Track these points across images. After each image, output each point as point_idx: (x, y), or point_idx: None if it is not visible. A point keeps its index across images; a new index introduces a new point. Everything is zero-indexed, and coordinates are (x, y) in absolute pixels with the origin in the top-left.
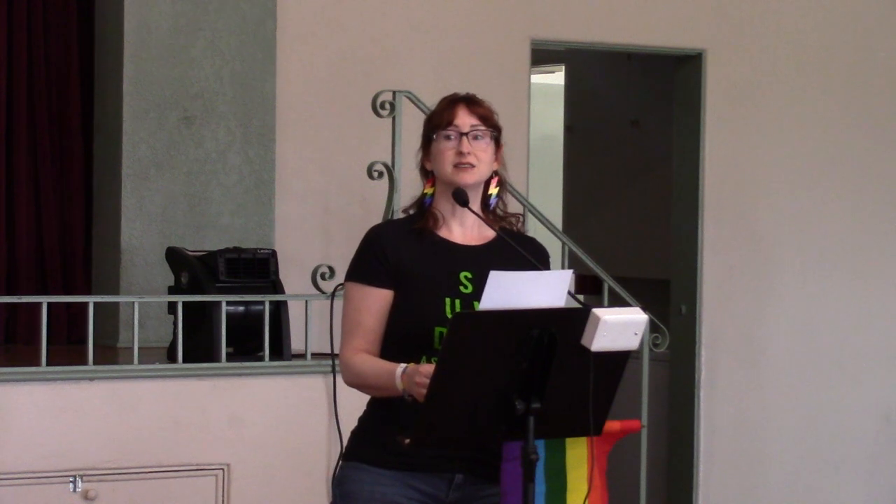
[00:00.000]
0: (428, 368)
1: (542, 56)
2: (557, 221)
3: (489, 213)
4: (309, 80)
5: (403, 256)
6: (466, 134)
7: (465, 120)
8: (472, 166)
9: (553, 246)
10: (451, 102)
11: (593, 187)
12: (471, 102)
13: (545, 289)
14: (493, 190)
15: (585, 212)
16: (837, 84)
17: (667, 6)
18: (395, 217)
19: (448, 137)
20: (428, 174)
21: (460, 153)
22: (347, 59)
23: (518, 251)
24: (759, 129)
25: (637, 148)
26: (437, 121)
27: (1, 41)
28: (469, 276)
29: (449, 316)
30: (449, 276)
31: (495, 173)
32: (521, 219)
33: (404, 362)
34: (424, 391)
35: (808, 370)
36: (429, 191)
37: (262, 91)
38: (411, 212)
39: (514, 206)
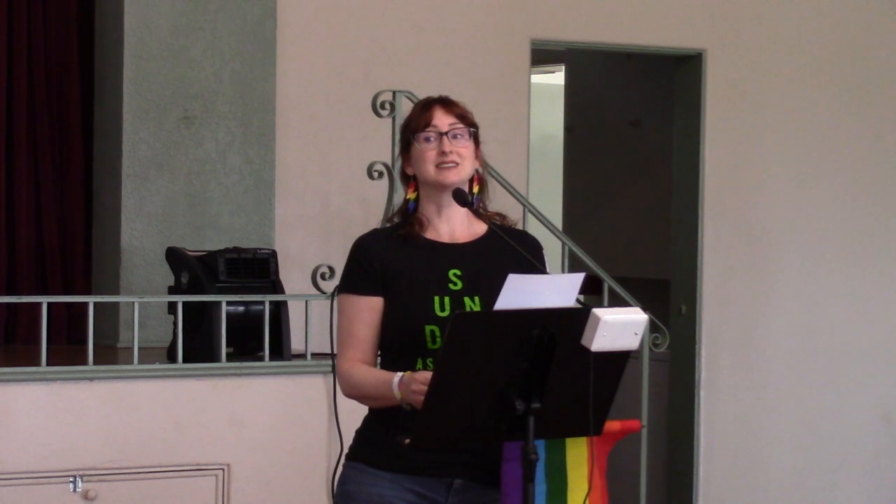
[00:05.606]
0: (424, 375)
1: (542, 56)
2: (557, 221)
3: (472, 212)
4: (309, 80)
5: (389, 261)
6: (446, 133)
7: (443, 120)
8: (456, 164)
9: (553, 246)
10: (427, 105)
11: (593, 187)
12: (446, 103)
13: (558, 291)
14: (475, 188)
15: (585, 212)
16: (837, 84)
17: (667, 6)
18: (389, 217)
19: (428, 139)
20: (409, 179)
21: (442, 153)
22: (347, 59)
23: (509, 243)
24: (759, 129)
25: (637, 148)
26: (415, 124)
27: (1, 41)
28: (458, 273)
29: (438, 314)
30: (437, 275)
31: (476, 172)
32: (506, 218)
33: (399, 367)
34: (422, 398)
35: (808, 370)
36: (411, 196)
37: (262, 91)
38: (395, 220)
39: (514, 206)
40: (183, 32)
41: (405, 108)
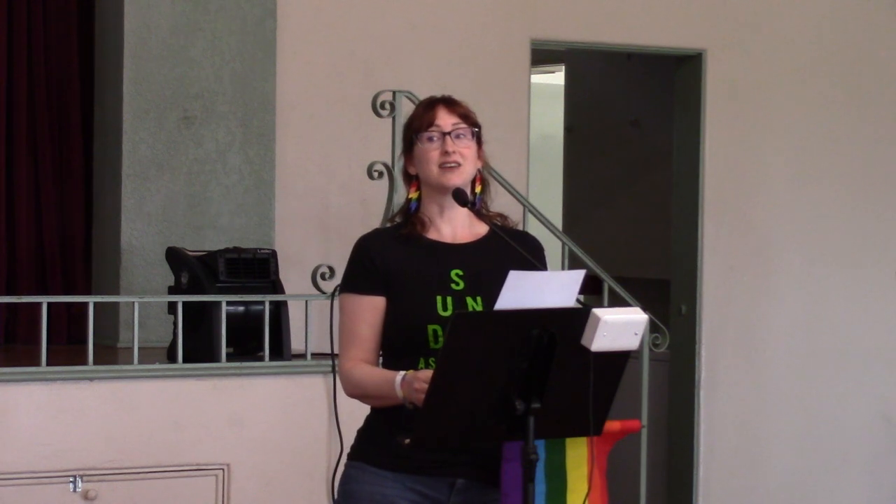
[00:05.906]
0: (426, 374)
1: (542, 56)
2: (557, 221)
3: (473, 212)
4: (309, 80)
5: (391, 261)
6: (449, 133)
7: (446, 120)
8: (458, 165)
9: (553, 246)
10: (430, 104)
11: (593, 187)
12: (450, 102)
13: (559, 288)
14: (477, 189)
15: (585, 212)
16: (837, 84)
17: (667, 6)
18: (390, 217)
19: (431, 139)
20: (411, 179)
21: (445, 153)
22: (347, 59)
23: (510, 244)
24: (759, 129)
25: (637, 148)
26: (418, 124)
27: (1, 41)
28: (460, 273)
29: (441, 313)
30: (439, 274)
31: (478, 172)
32: (507, 218)
33: (402, 366)
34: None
35: (808, 370)
36: (413, 195)
37: (262, 91)
38: (397, 220)
39: (514, 206)
40: (183, 32)
41: (405, 108)
